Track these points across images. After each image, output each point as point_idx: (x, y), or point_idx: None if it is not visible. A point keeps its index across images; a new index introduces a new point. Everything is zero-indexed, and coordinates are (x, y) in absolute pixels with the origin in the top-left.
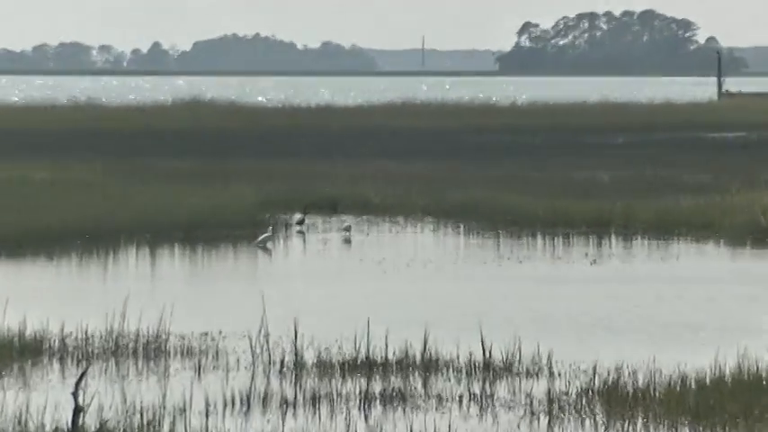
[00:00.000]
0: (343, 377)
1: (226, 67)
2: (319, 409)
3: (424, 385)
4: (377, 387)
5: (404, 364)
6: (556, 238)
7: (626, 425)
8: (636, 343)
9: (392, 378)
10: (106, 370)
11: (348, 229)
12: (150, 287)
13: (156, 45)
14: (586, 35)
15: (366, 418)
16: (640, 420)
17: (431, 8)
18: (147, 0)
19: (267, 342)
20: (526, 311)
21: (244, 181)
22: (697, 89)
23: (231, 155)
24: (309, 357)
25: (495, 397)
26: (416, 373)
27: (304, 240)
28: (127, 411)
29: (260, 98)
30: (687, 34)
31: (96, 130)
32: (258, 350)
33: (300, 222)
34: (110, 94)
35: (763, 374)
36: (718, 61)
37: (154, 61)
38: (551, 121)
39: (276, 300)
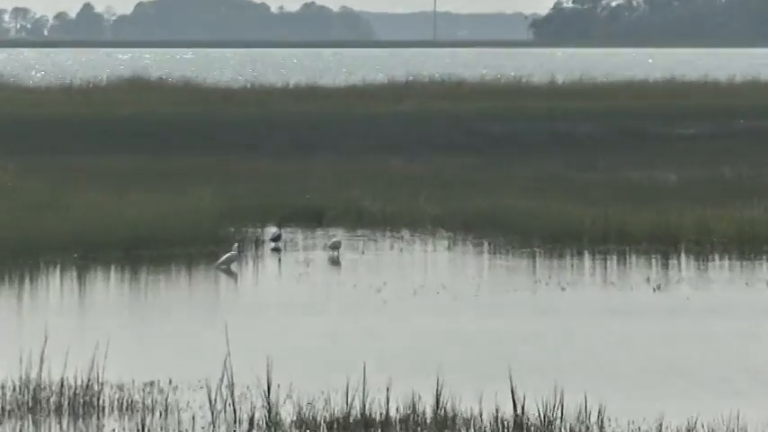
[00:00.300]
0: None
1: (178, 36)
2: None
3: None
4: None
5: (410, 424)
6: (608, 258)
7: None
8: (714, 395)
9: None
10: (20, 431)
11: (337, 246)
12: (79, 323)
13: (87, 8)
14: None
15: None
16: None
17: None
18: None
19: (232, 394)
20: (569, 354)
21: (201, 183)
22: None
23: (185, 150)
24: (287, 415)
25: None
26: None
27: (280, 261)
28: None
29: (222, 76)
30: None
31: (7, 119)
32: (219, 405)
33: (276, 239)
34: (26, 71)
35: None
36: None
37: (84, 29)
38: (601, 106)
39: (244, 339)
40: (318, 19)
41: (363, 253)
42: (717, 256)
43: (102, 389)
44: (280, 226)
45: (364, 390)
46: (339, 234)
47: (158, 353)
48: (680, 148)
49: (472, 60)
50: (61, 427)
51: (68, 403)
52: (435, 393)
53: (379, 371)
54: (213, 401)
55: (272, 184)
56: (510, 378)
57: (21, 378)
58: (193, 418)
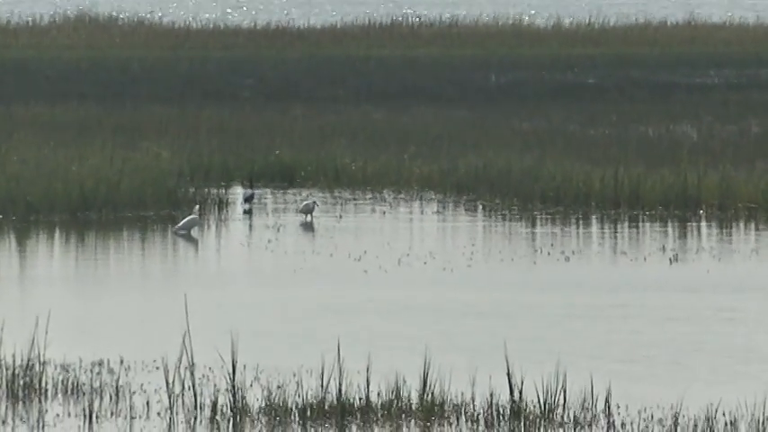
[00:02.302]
0: (305, 429)
1: None
2: None
3: None
4: None
5: (393, 411)
6: (619, 225)
7: None
8: (736, 380)
9: (376, 430)
10: None
11: (310, 209)
12: (18, 295)
13: None
14: None
15: None
16: None
17: None
18: None
19: (192, 376)
20: (573, 334)
21: (158, 137)
22: None
23: (139, 99)
24: (255, 400)
25: None
26: (412, 423)
27: (249, 226)
28: None
29: (181, 15)
30: None
31: None
32: (178, 389)
33: (249, 199)
34: None
35: None
36: None
37: None
38: (613, 51)
39: (205, 314)
40: None
41: (341, 217)
42: (741, 224)
43: (44, 369)
44: (252, 185)
45: (341, 372)
46: (313, 196)
47: (108, 329)
48: (701, 100)
49: None
50: None
51: (6, 385)
52: (421, 376)
53: (358, 351)
54: (171, 384)
55: (237, 138)
56: (506, 360)
57: None
58: (148, 402)
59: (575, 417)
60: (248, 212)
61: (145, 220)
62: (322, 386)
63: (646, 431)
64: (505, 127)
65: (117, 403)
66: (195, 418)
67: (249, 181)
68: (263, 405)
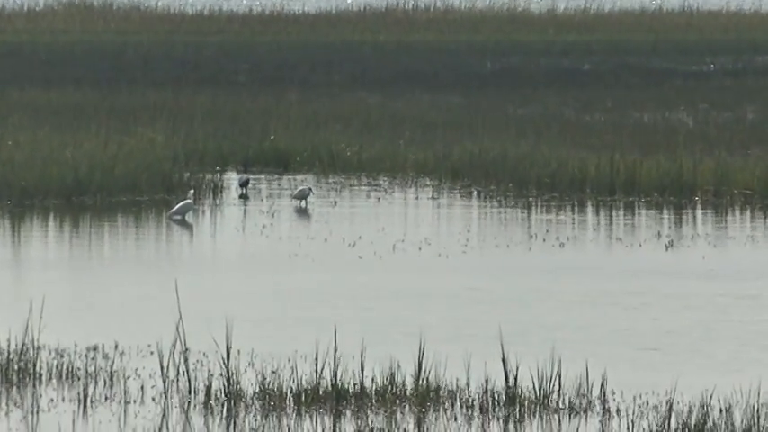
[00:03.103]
0: (299, 414)
1: None
2: None
3: (418, 427)
4: (348, 429)
5: (388, 396)
6: (614, 211)
7: None
8: (731, 367)
9: (370, 416)
10: None
11: (305, 194)
12: (13, 280)
13: None
14: None
15: None
16: None
17: None
18: None
19: (186, 361)
20: (569, 320)
21: (153, 122)
22: None
23: (134, 84)
24: (249, 385)
25: None
26: (407, 409)
27: (243, 211)
28: None
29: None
30: None
31: None
32: (172, 374)
33: (244, 184)
34: None
35: None
36: None
37: None
38: (608, 38)
39: (199, 299)
40: None
41: (336, 203)
42: (737, 210)
43: (38, 354)
44: (247, 170)
45: (336, 357)
46: (308, 181)
47: (102, 314)
48: (696, 86)
49: None
50: None
51: (0, 370)
52: (416, 362)
53: (352, 336)
54: (165, 369)
55: (232, 123)
56: (501, 345)
57: None
58: (142, 387)
59: (570, 403)
60: (244, 197)
61: (139, 204)
62: (316, 371)
63: (641, 417)
64: (501, 113)
65: (111, 388)
66: (189, 403)
67: (244, 166)
68: (258, 390)
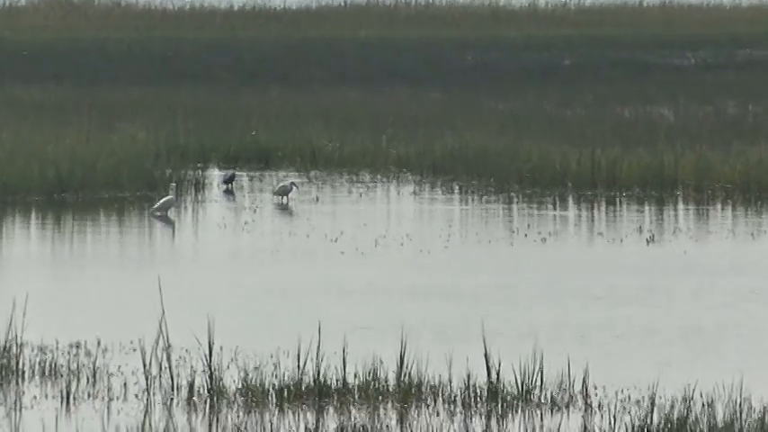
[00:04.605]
0: (281, 410)
1: None
2: None
3: (400, 423)
4: (330, 425)
5: (371, 392)
6: (596, 205)
7: None
8: (713, 362)
9: (353, 412)
10: None
11: (286, 190)
12: None
13: None
14: None
15: None
16: None
17: None
18: None
19: (168, 358)
20: (550, 315)
21: (134, 118)
22: None
23: (115, 80)
24: (231, 381)
25: None
26: (389, 405)
27: (226, 207)
28: None
29: None
30: None
31: None
32: (155, 370)
33: (229, 180)
34: None
35: None
36: None
37: None
38: (589, 32)
39: (182, 295)
40: None
41: (317, 199)
42: (718, 204)
43: (21, 351)
44: (234, 167)
45: (318, 353)
46: (289, 177)
47: (85, 311)
48: (677, 80)
49: None
50: None
51: None
52: (398, 358)
53: (335, 332)
54: (148, 366)
55: (213, 119)
56: (483, 341)
57: None
58: (125, 384)
59: (552, 398)
60: (229, 192)
61: (121, 201)
62: (299, 367)
63: (623, 412)
64: (482, 108)
65: (94, 385)
66: (172, 400)
67: (230, 162)
68: (240, 386)
